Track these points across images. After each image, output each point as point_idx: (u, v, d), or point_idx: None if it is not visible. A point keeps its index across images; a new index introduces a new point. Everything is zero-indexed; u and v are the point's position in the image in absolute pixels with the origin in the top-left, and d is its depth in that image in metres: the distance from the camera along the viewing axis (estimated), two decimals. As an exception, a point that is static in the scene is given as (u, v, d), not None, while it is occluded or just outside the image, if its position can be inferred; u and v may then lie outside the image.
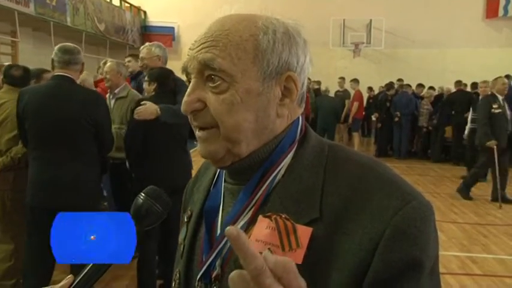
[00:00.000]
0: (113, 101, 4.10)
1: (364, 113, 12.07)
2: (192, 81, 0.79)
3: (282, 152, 0.80)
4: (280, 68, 0.78)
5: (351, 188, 0.73)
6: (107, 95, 4.29)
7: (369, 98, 12.33)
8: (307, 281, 0.60)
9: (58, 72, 3.04)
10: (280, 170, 0.79)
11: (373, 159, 0.80)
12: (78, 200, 2.92)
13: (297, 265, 0.55)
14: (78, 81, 4.14)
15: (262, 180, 0.78)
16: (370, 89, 12.58)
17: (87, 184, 3.03)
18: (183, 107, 0.78)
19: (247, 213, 0.78)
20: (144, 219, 0.74)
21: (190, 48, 0.81)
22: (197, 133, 0.80)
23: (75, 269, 0.72)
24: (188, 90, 0.79)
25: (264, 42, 0.77)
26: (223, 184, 0.86)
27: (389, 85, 11.62)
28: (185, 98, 0.78)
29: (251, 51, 0.77)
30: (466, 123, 9.92)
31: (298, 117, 0.84)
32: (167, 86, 3.50)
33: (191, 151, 3.92)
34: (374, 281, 0.67)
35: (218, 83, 0.76)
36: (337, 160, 0.78)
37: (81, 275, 0.71)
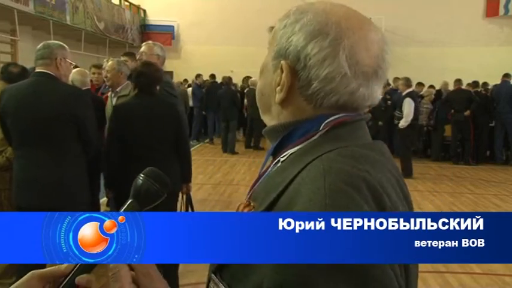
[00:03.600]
0: (114, 100, 4.10)
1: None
2: None
3: (290, 142, 0.79)
4: (282, 53, 0.79)
5: (294, 191, 0.69)
6: (109, 94, 4.28)
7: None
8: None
9: (36, 69, 2.99)
10: (282, 158, 0.79)
11: (341, 169, 0.69)
12: (59, 200, 2.87)
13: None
14: (70, 79, 4.15)
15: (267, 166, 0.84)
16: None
17: (68, 183, 2.95)
18: None
19: (248, 196, 0.83)
20: (144, 199, 0.75)
21: None
22: None
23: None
24: None
25: (278, 25, 0.82)
26: None
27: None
28: None
29: (275, 31, 0.83)
30: (466, 122, 9.96)
31: (320, 117, 0.77)
32: (151, 86, 3.31)
33: (192, 149, 3.91)
34: None
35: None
36: (318, 162, 0.71)
37: (70, 275, 0.72)
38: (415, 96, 8.70)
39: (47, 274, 0.72)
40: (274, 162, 0.81)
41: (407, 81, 8.58)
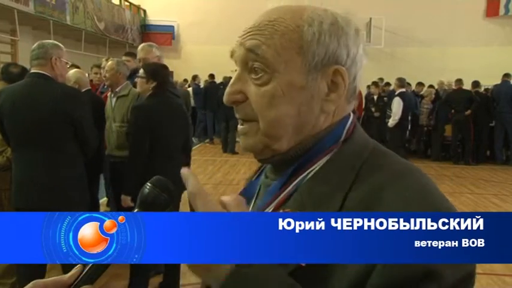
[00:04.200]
0: (114, 100, 4.09)
1: (363, 112, 12.03)
2: (237, 70, 0.78)
3: (321, 151, 0.77)
4: (326, 60, 0.75)
5: (372, 196, 0.69)
6: (108, 94, 4.28)
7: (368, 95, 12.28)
8: (307, 283, 0.61)
9: (32, 69, 2.99)
10: (315, 168, 0.76)
11: (410, 167, 0.76)
12: (56, 201, 2.86)
13: (299, 266, 0.65)
14: (72, 81, 4.15)
15: (295, 176, 0.77)
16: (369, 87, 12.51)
17: (66, 184, 2.94)
18: (224, 98, 0.78)
19: (272, 207, 0.78)
20: (150, 209, 0.75)
21: (238, 37, 0.80)
22: (239, 126, 0.80)
23: (68, 270, 0.73)
24: (232, 80, 0.78)
25: (309, 34, 0.75)
26: (262, 178, 0.86)
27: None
28: (227, 89, 0.77)
29: (296, 42, 0.75)
30: (466, 122, 9.96)
31: (349, 115, 0.80)
32: (166, 85, 3.39)
33: (192, 149, 3.92)
34: (380, 280, 0.64)
35: (260, 74, 0.75)
36: (373, 166, 0.74)
37: (85, 271, 0.71)
38: (409, 97, 8.78)
39: (50, 284, 0.71)
40: (304, 174, 0.76)
41: (401, 81, 8.80)
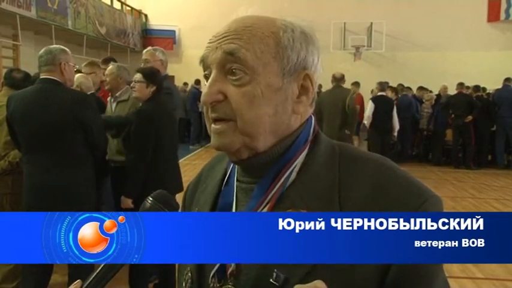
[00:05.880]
0: (114, 104, 4.09)
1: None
2: (213, 72, 0.80)
3: (297, 150, 0.82)
4: (298, 65, 0.81)
5: (370, 185, 0.76)
6: (108, 98, 4.28)
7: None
8: (331, 277, 0.64)
9: (41, 75, 3.03)
10: (295, 167, 0.81)
11: (382, 157, 0.83)
12: (67, 205, 2.88)
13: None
14: (75, 85, 4.17)
15: (278, 177, 0.80)
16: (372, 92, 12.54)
17: (76, 188, 2.98)
18: (203, 98, 0.80)
19: (262, 209, 0.79)
20: None
21: (209, 42, 0.82)
22: (213, 126, 0.81)
23: (73, 272, 0.72)
24: (210, 81, 0.80)
25: (284, 39, 0.80)
26: (235, 183, 0.86)
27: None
28: (206, 90, 0.79)
29: (273, 47, 0.79)
30: (467, 126, 9.95)
31: (311, 117, 0.87)
32: (162, 89, 3.45)
33: (187, 156, 3.94)
34: (398, 275, 0.70)
35: (240, 75, 0.78)
36: (350, 157, 0.81)
37: (93, 275, 0.71)
38: (383, 100, 8.86)
39: None
40: (288, 173, 0.80)
41: (381, 85, 9.11)
